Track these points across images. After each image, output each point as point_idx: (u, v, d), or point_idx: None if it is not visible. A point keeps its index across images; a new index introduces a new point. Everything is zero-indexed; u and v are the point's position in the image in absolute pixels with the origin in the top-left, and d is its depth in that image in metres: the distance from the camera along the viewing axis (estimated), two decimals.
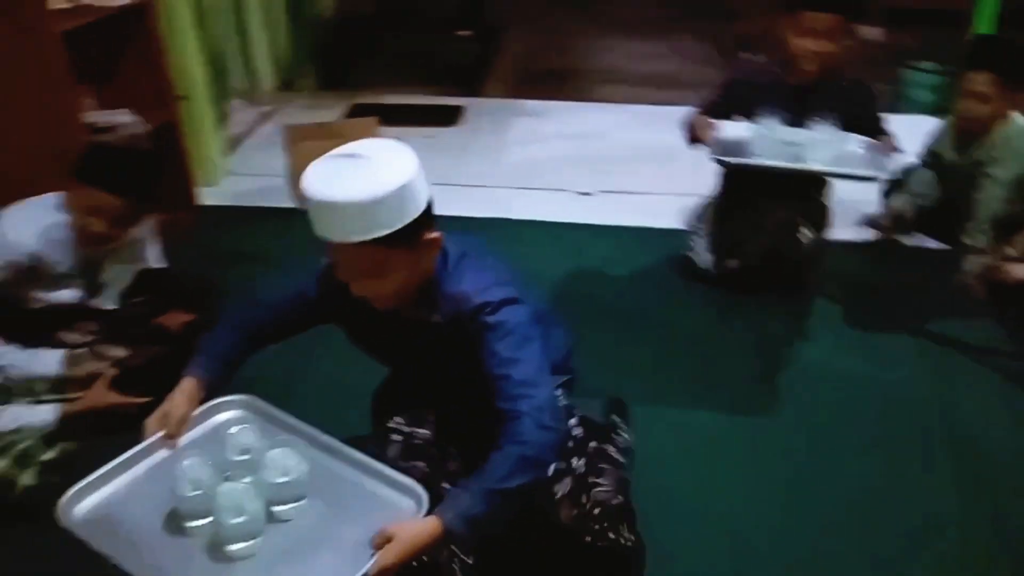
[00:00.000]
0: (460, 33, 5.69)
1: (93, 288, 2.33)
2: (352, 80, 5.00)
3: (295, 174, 3.32)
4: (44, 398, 2.05)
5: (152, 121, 2.84)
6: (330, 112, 4.40)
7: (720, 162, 2.46)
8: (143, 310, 2.46)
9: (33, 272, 2.14)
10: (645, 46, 5.89)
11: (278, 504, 1.37)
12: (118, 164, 2.11)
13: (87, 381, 2.10)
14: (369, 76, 5.09)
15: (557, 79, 5.21)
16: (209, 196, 3.44)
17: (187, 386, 1.52)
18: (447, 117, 4.46)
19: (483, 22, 5.98)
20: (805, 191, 2.71)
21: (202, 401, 1.54)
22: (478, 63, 5.43)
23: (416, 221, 1.32)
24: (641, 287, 2.90)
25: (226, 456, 1.42)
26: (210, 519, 1.32)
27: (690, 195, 3.04)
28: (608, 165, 3.82)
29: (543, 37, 6.33)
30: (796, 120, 2.44)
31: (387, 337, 1.57)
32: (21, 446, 1.87)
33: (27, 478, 1.83)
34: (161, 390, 2.00)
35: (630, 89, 4.92)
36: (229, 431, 1.47)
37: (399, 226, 1.30)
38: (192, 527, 1.35)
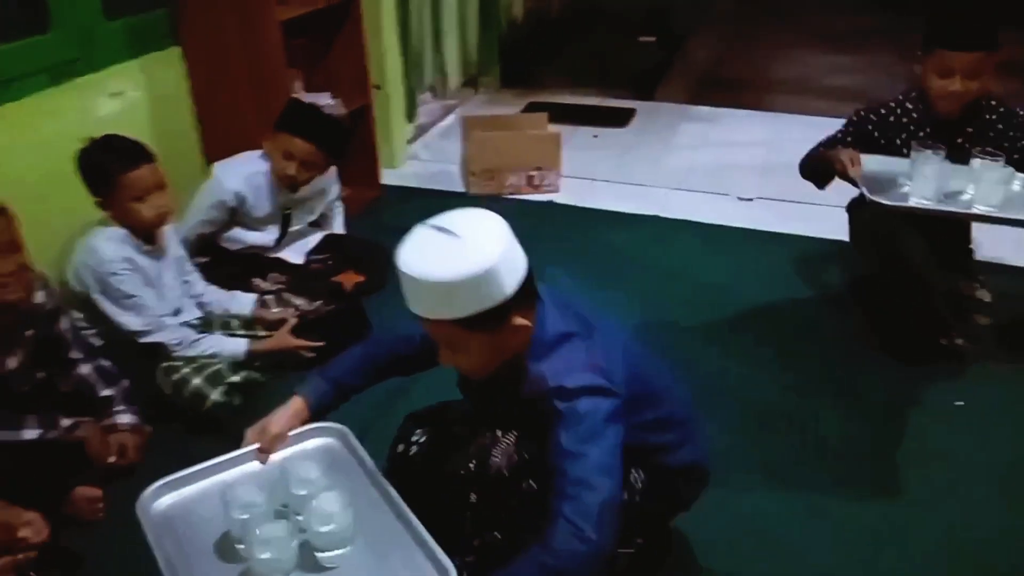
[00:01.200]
0: (643, 39, 5.79)
1: (283, 233, 2.67)
2: (532, 80, 5.23)
3: (470, 160, 3.58)
4: (237, 333, 2.39)
5: (349, 105, 3.17)
6: (508, 108, 4.64)
7: (876, 204, 2.15)
8: (323, 268, 2.78)
9: (236, 212, 2.54)
10: (835, 58, 5.71)
11: (321, 551, 1.36)
12: (311, 117, 2.51)
13: (274, 324, 2.42)
14: (549, 77, 5.30)
15: (737, 87, 5.17)
16: (391, 177, 3.76)
17: (293, 404, 1.55)
18: (618, 118, 4.57)
19: (668, 28, 6.04)
20: (954, 236, 2.48)
21: (306, 421, 1.56)
22: (657, 68, 5.49)
23: (500, 306, 1.26)
24: (797, 293, 2.87)
25: (287, 488, 1.42)
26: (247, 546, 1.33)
27: None
28: (774, 173, 3.77)
29: (730, 45, 6.28)
30: (950, 156, 2.17)
31: (482, 396, 1.56)
32: (214, 368, 2.18)
33: (216, 395, 2.14)
34: (332, 340, 2.33)
35: (813, 101, 4.78)
36: (296, 462, 1.48)
37: (476, 311, 1.25)
38: (240, 549, 1.36)
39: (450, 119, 4.67)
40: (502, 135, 3.58)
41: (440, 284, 1.22)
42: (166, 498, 1.47)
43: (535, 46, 5.59)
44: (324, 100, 3.02)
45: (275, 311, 2.50)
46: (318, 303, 2.58)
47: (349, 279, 2.77)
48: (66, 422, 1.93)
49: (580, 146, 4.07)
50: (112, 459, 1.96)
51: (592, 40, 5.98)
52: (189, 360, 2.18)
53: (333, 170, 2.84)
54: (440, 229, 1.25)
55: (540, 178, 3.57)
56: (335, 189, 2.90)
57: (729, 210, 3.46)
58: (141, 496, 1.44)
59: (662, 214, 3.43)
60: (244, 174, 2.54)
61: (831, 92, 4.98)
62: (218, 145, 2.76)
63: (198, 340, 2.22)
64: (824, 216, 3.32)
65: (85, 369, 2.07)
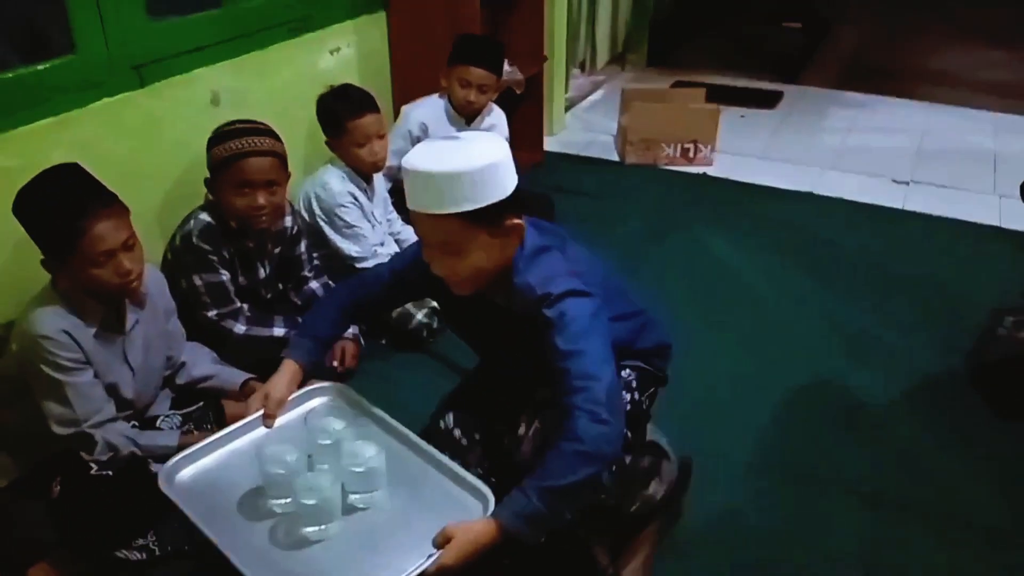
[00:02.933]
0: (789, 24, 5.80)
1: None
2: (677, 60, 5.36)
3: (628, 129, 3.77)
4: None
5: (524, 72, 3.42)
6: (655, 85, 4.79)
7: None
8: None
9: (419, 141, 2.80)
10: (992, 53, 5.57)
11: (355, 492, 1.42)
12: (480, 46, 2.83)
13: None
14: (692, 58, 5.42)
15: (886, 76, 5.14)
16: (551, 143, 4.00)
17: (287, 368, 1.58)
18: (766, 100, 4.66)
19: (815, 14, 6.02)
20: None
21: (301, 383, 1.61)
22: (803, 53, 5.52)
23: (500, 204, 1.34)
24: (952, 272, 2.94)
25: (312, 440, 1.48)
26: (291, 499, 1.38)
27: (1011, 197, 3.01)
28: (931, 160, 3.81)
29: (880, 33, 6.20)
30: None
31: (473, 319, 1.60)
32: None
33: (420, 316, 2.43)
34: None
35: (966, 95, 4.72)
36: (318, 417, 1.54)
37: (481, 204, 1.32)
38: (275, 504, 1.42)
39: (598, 94, 4.86)
40: (662, 107, 3.75)
41: (451, 175, 1.30)
42: (187, 470, 1.52)
43: (681, 27, 5.70)
44: (505, 66, 3.28)
45: None
46: None
47: None
48: None
49: (729, 125, 4.18)
50: (335, 363, 2.27)
51: (737, 23, 6.04)
52: None
53: (502, 114, 3.10)
54: (447, 139, 1.38)
55: (695, 151, 3.73)
56: (504, 127, 3.13)
57: (884, 191, 3.53)
58: (161, 470, 1.49)
59: (816, 191, 3.53)
60: (426, 108, 2.89)
61: (986, 86, 4.89)
62: (407, 100, 3.04)
63: None
64: (982, 203, 3.39)
65: (315, 285, 2.39)
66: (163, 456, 1.75)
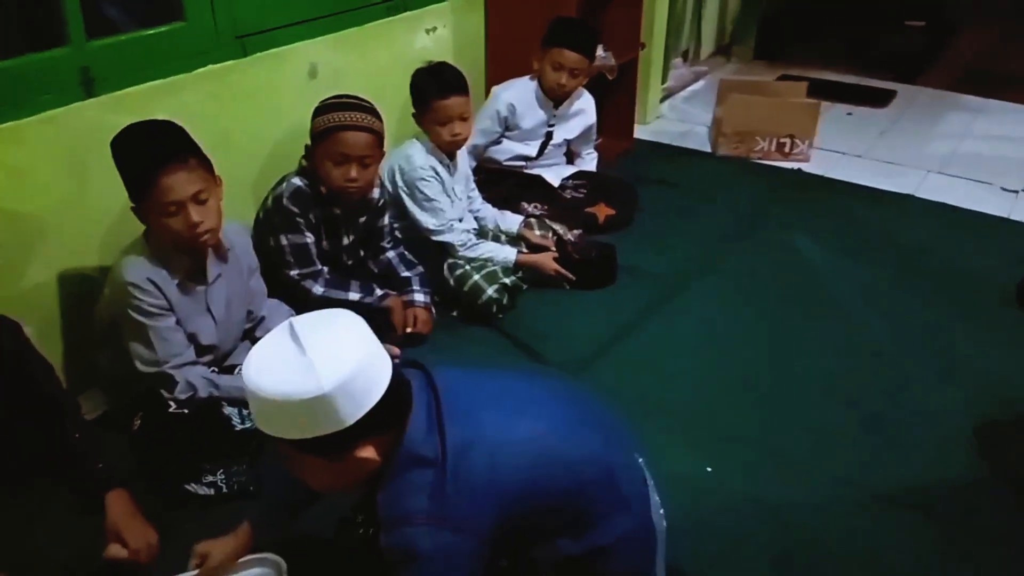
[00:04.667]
0: (911, 23, 5.52)
1: (544, 146, 3.02)
2: (787, 55, 5.19)
3: (723, 121, 3.70)
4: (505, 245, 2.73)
5: (619, 58, 3.40)
6: (760, 78, 4.67)
7: None
8: (580, 198, 3.07)
9: (507, 122, 2.94)
10: None
11: None
12: (576, 30, 2.84)
13: (536, 247, 2.74)
14: (803, 53, 5.23)
15: (1010, 82, 4.82)
16: (641, 132, 3.97)
17: (241, 530, 1.52)
18: (876, 99, 4.47)
19: (939, 15, 5.71)
20: None
21: (248, 547, 1.53)
22: (923, 54, 5.25)
23: (336, 435, 1.12)
24: None
25: None
26: None
27: None
28: None
29: (1007, 37, 5.82)
30: None
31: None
32: (489, 268, 2.53)
33: (490, 291, 2.48)
34: (583, 278, 2.66)
35: None
36: None
37: (305, 436, 1.12)
38: None
39: (699, 84, 4.78)
40: (759, 99, 3.66)
41: (268, 400, 1.10)
42: None
43: (793, 21, 5.51)
44: (599, 52, 3.28)
45: (537, 233, 2.81)
46: (577, 231, 2.86)
47: (602, 211, 3.04)
48: (379, 292, 2.35)
49: (833, 122, 4.04)
50: (409, 328, 2.35)
51: (857, 19, 5.78)
52: (470, 260, 2.55)
53: (591, 100, 3.10)
54: (295, 339, 1.12)
55: (792, 146, 3.62)
56: (592, 114, 3.15)
57: (991, 199, 3.34)
58: None
59: (916, 194, 3.38)
60: (516, 89, 2.94)
61: None
62: (501, 81, 3.08)
63: (478, 244, 2.60)
64: None
65: (392, 254, 2.48)
66: (239, 400, 1.89)
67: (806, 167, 3.61)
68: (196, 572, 1.51)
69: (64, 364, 2.03)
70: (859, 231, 3.09)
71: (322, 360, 1.10)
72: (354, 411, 1.12)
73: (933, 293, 2.71)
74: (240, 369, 2.00)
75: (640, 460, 1.47)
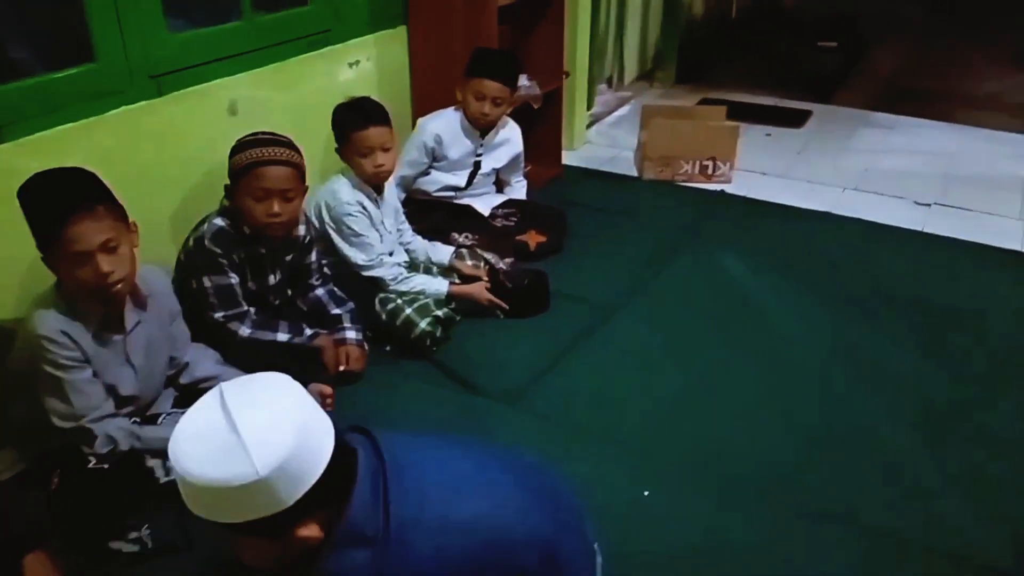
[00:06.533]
0: (824, 44, 5.76)
1: (472, 176, 3.04)
2: (707, 78, 5.35)
3: (647, 146, 3.78)
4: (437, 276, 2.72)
5: (543, 87, 3.45)
6: (682, 104, 4.79)
7: None
8: (510, 226, 3.09)
9: (435, 153, 2.95)
10: None
11: None
12: (496, 59, 2.89)
13: (468, 278, 2.74)
14: (725, 76, 5.40)
15: (922, 98, 5.06)
16: (570, 158, 4.01)
17: None
18: (793, 119, 4.63)
19: (852, 35, 5.97)
20: None
21: None
22: (837, 74, 5.47)
23: (275, 516, 1.06)
24: (978, 297, 2.88)
25: None
26: None
27: None
28: (956, 183, 3.75)
29: (917, 56, 6.12)
30: None
31: None
32: (422, 301, 2.52)
33: (424, 324, 2.46)
34: (516, 306, 2.67)
35: (1004, 118, 4.63)
36: None
37: (243, 520, 1.06)
38: None
39: (624, 110, 4.87)
40: (682, 123, 3.76)
41: (201, 486, 1.03)
42: None
43: (713, 45, 5.69)
44: (523, 81, 3.32)
45: (469, 263, 2.81)
46: (508, 259, 2.87)
47: (533, 238, 3.06)
48: (308, 331, 2.31)
49: (753, 143, 4.17)
50: (342, 367, 2.32)
51: (771, 42, 6.00)
52: (401, 293, 2.53)
53: (517, 128, 3.14)
54: (226, 414, 1.06)
55: (714, 168, 3.72)
56: (519, 142, 3.18)
57: (905, 213, 3.48)
58: None
59: (834, 211, 3.50)
60: (441, 120, 2.96)
61: (1022, 111, 4.80)
62: (427, 112, 3.09)
63: (409, 277, 2.58)
64: (1006, 228, 3.34)
65: (321, 292, 2.44)
66: (162, 451, 1.82)
67: (729, 188, 3.71)
68: None
69: None
70: (781, 249, 3.18)
71: (256, 440, 1.03)
72: (294, 491, 1.05)
73: (852, 305, 2.80)
74: (164, 419, 1.94)
75: (589, 534, 1.41)
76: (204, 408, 1.09)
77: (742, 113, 4.41)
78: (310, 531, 1.10)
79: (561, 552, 1.28)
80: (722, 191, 3.70)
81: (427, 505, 1.14)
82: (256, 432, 1.04)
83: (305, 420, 1.08)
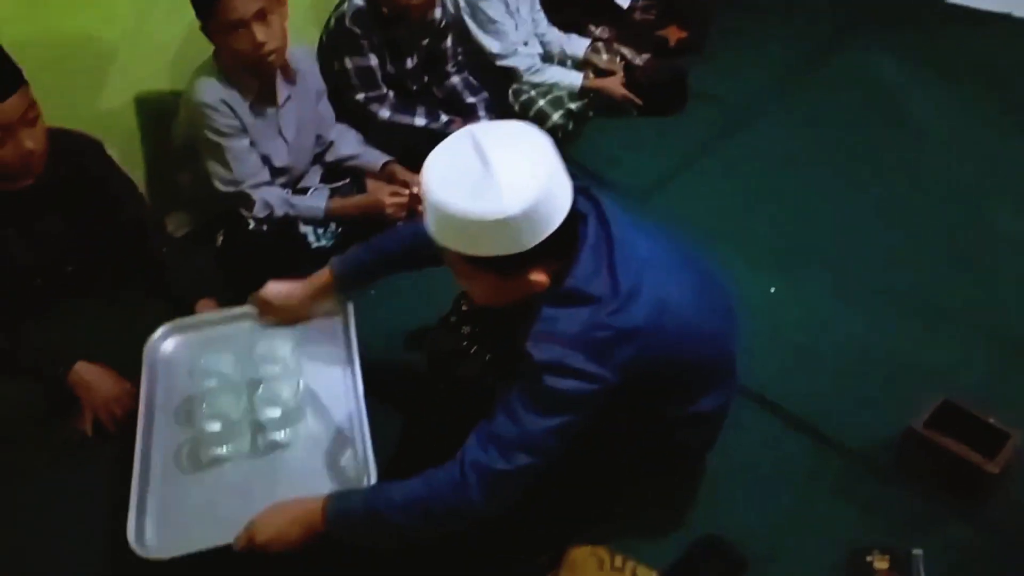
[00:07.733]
0: None
1: None
2: None
3: None
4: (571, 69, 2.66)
5: None
6: None
7: None
8: (650, 20, 2.93)
9: None
10: None
11: (273, 429, 1.39)
12: None
13: (602, 72, 2.67)
14: None
15: None
16: None
17: (320, 274, 1.52)
18: None
19: None
20: None
21: (327, 292, 1.54)
22: None
23: (513, 256, 1.10)
24: None
25: (254, 360, 1.46)
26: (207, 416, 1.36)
27: None
28: None
29: None
30: None
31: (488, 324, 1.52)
32: (555, 94, 2.49)
33: (556, 117, 2.46)
34: (649, 101, 2.59)
35: None
36: (271, 338, 1.51)
37: (484, 254, 1.10)
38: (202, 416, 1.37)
39: None
40: None
41: (451, 216, 1.07)
42: (170, 340, 1.57)
43: None
44: None
45: (604, 58, 2.73)
46: (646, 55, 2.76)
47: (673, 34, 2.91)
48: (444, 118, 2.34)
49: None
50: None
51: None
52: (535, 85, 2.50)
53: None
54: (479, 152, 1.07)
55: None
56: None
57: None
58: (150, 339, 1.53)
59: (1015, 12, 3.11)
60: None
61: None
62: None
63: (543, 68, 2.54)
64: None
65: (456, 80, 2.45)
66: (313, 218, 1.96)
67: None
68: (250, 307, 1.57)
69: (147, 183, 2.12)
70: (949, 55, 2.89)
71: (508, 181, 1.05)
72: (535, 235, 1.08)
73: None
74: (313, 192, 2.07)
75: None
76: (455, 143, 1.11)
77: None
78: (540, 277, 1.14)
79: (733, 350, 1.39)
80: None
81: (645, 279, 1.17)
82: (508, 172, 1.06)
83: (553, 169, 1.10)
